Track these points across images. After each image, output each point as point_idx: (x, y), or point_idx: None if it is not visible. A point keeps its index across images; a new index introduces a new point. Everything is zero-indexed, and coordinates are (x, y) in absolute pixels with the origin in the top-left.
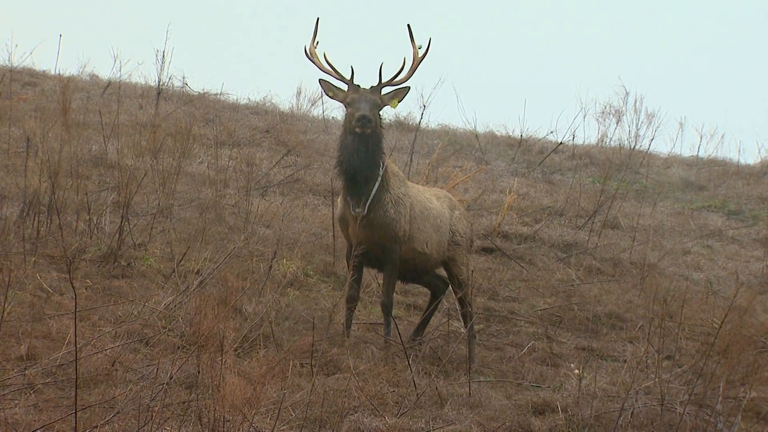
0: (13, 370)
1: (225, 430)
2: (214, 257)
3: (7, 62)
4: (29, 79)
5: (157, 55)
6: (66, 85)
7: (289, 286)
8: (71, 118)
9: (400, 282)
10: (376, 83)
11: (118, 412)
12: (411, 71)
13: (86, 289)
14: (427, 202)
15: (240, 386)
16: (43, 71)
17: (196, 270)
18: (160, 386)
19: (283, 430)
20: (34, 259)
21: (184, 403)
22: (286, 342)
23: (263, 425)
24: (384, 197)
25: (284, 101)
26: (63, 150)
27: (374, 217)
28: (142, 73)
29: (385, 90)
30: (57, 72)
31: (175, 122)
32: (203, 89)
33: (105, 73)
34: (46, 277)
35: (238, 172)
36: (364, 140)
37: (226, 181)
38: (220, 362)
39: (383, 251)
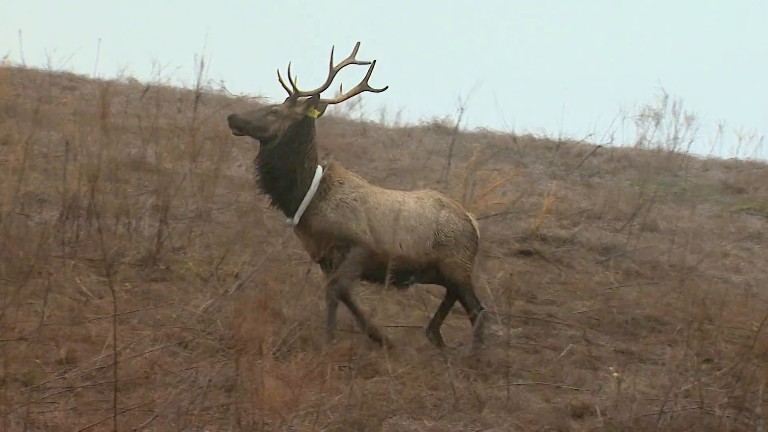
0: (53, 373)
1: None
2: (253, 260)
3: (46, 66)
4: (68, 83)
5: (195, 59)
6: (105, 89)
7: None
8: (110, 122)
9: (398, 290)
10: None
11: (157, 416)
12: (327, 81)
13: (125, 292)
14: (396, 205)
15: (279, 389)
16: (82, 75)
17: (234, 273)
18: (199, 389)
19: None
20: (73, 262)
21: (223, 406)
22: (325, 345)
23: (302, 428)
24: (320, 204)
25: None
26: (102, 154)
27: (312, 224)
28: (180, 77)
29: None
30: (96, 76)
31: (213, 126)
32: (241, 93)
33: (144, 77)
34: (86, 280)
35: None
36: (271, 150)
37: None
38: (258, 365)
39: (341, 254)
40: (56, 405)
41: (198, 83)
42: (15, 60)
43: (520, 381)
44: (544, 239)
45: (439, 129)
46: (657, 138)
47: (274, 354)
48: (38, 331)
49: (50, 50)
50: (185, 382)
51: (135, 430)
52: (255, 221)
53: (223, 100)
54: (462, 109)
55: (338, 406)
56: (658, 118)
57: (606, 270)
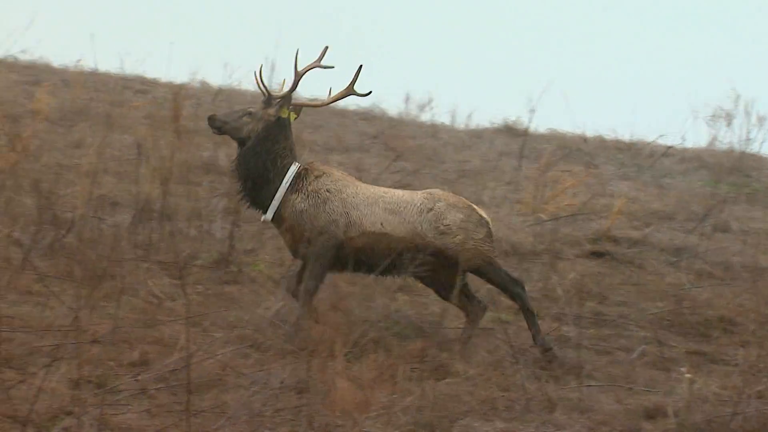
0: (127, 375)
1: None
2: None
3: (119, 70)
4: (141, 86)
5: (266, 62)
6: (177, 92)
7: (398, 291)
8: (182, 125)
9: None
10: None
11: (229, 417)
12: (293, 84)
13: (197, 295)
14: (379, 193)
15: (350, 391)
16: (155, 79)
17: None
18: (271, 391)
19: None
20: (146, 265)
21: (295, 407)
22: (396, 347)
23: (374, 429)
24: (291, 197)
25: (392, 107)
26: (174, 157)
27: (284, 217)
28: (251, 80)
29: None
30: (168, 79)
31: None
32: (312, 96)
33: (215, 80)
34: (158, 283)
35: None
36: (245, 151)
37: None
38: (330, 367)
39: (311, 245)
40: (129, 407)
41: (269, 85)
42: (88, 64)
43: (592, 382)
44: (615, 240)
45: (509, 131)
46: (729, 138)
47: (345, 356)
48: (112, 334)
49: (123, 54)
50: (257, 383)
51: (208, 431)
52: None
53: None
54: (533, 110)
55: (410, 407)
56: (729, 118)
57: (678, 271)
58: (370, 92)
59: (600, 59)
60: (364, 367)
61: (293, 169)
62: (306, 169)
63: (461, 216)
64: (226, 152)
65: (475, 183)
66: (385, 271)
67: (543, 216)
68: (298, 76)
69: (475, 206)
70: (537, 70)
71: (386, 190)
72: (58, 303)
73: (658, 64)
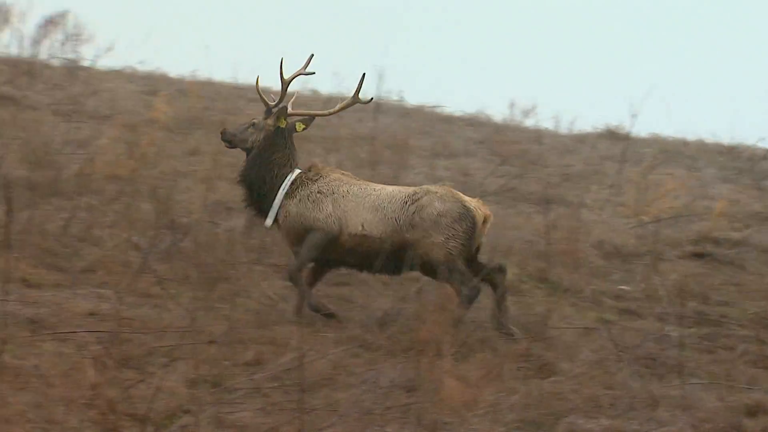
0: (242, 374)
1: (444, 431)
2: None
3: (233, 79)
4: (253, 95)
5: (375, 71)
6: (289, 100)
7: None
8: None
9: (385, 275)
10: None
11: (341, 415)
12: (282, 92)
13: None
14: (368, 191)
15: (458, 389)
16: (267, 87)
17: (414, 277)
18: (381, 390)
19: (500, 431)
20: (259, 268)
21: (404, 405)
22: (502, 346)
23: (481, 426)
24: (287, 203)
25: (497, 113)
26: None
27: (281, 223)
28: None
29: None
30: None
31: (392, 134)
32: (419, 102)
33: (325, 88)
34: (271, 285)
35: (454, 182)
36: (248, 161)
37: None
38: (438, 366)
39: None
40: (245, 405)
41: (377, 94)
42: (203, 74)
43: (694, 380)
44: (716, 242)
45: (611, 135)
46: None
47: (453, 355)
48: (227, 334)
49: (236, 64)
50: (368, 382)
51: (320, 429)
52: None
53: (402, 110)
54: (634, 115)
55: (516, 405)
56: None
57: None
58: (372, 99)
59: (701, 63)
60: (471, 366)
61: (291, 177)
62: (304, 175)
63: (441, 209)
64: (337, 158)
65: (578, 186)
66: (384, 270)
67: (645, 218)
68: (285, 84)
69: (465, 200)
70: (639, 75)
71: (381, 187)
72: (175, 305)
73: (759, 67)
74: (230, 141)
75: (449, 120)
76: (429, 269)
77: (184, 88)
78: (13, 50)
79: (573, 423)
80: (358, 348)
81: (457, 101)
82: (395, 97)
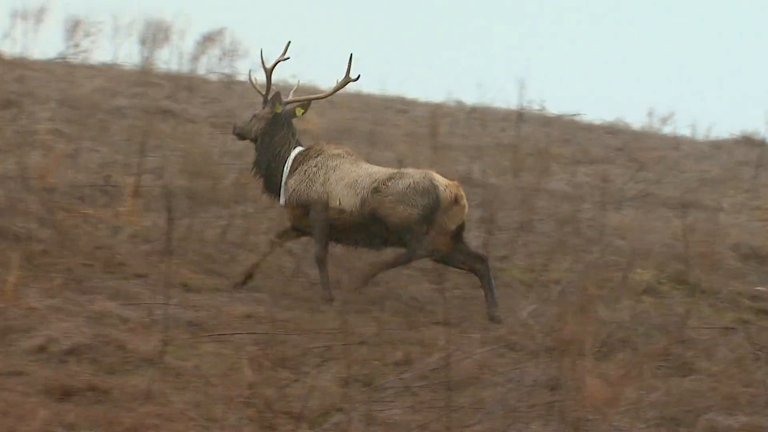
0: (391, 374)
1: (587, 428)
2: (573, 267)
3: (381, 91)
4: (401, 106)
5: (516, 82)
6: (434, 111)
7: (643, 293)
8: (439, 142)
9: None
10: None
11: (487, 412)
12: (267, 80)
13: (455, 298)
14: (355, 169)
15: (599, 387)
16: (413, 99)
17: (556, 280)
18: (525, 388)
19: (641, 428)
20: (407, 272)
21: (547, 403)
22: (642, 346)
23: (622, 423)
24: (288, 181)
25: (636, 121)
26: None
27: (286, 198)
28: (503, 98)
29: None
30: (426, 99)
31: (534, 143)
32: (560, 111)
33: (469, 99)
34: (419, 288)
35: (594, 188)
36: (256, 150)
37: (582, 196)
38: (580, 365)
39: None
40: (395, 403)
41: (520, 103)
42: (352, 86)
43: None
44: None
45: (747, 141)
46: None
47: (594, 354)
48: (377, 336)
49: (384, 77)
50: (512, 381)
51: (467, 426)
52: (574, 231)
53: (543, 119)
54: None
55: (656, 402)
56: None
57: None
58: (359, 76)
59: None
60: (612, 365)
61: (292, 155)
62: (305, 152)
63: (408, 182)
64: (480, 166)
65: (715, 191)
66: (370, 245)
67: None
68: (269, 72)
69: (436, 178)
70: None
71: (368, 167)
72: (327, 307)
73: None
74: (239, 134)
75: (589, 128)
76: (397, 238)
77: (335, 100)
78: (173, 66)
79: (712, 420)
80: (503, 348)
81: (596, 110)
82: (537, 107)
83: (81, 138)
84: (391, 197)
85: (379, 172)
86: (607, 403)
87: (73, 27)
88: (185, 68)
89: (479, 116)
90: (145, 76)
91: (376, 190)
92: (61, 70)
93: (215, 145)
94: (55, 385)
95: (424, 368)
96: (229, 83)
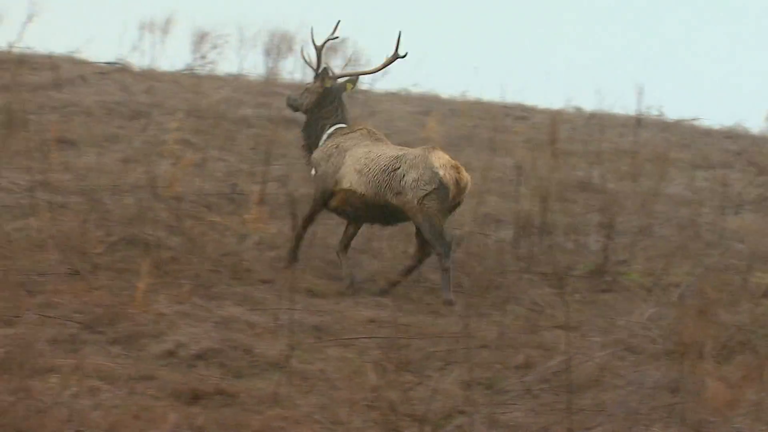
0: (513, 377)
1: (707, 431)
2: (692, 271)
3: (500, 99)
4: (520, 113)
5: (635, 87)
6: (554, 117)
7: (763, 296)
8: (558, 148)
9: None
10: None
11: (608, 415)
12: (317, 57)
13: (575, 302)
14: (364, 150)
15: (720, 390)
16: (533, 106)
17: (675, 283)
18: (646, 390)
19: (762, 430)
20: (528, 276)
21: (668, 405)
22: (763, 348)
23: (743, 425)
24: (314, 155)
25: (755, 125)
26: (551, 177)
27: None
28: (621, 104)
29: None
30: (545, 106)
31: (653, 148)
32: (679, 116)
33: (588, 105)
34: (539, 292)
35: (713, 192)
36: (305, 121)
37: (701, 201)
38: (700, 368)
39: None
40: (516, 406)
41: (638, 109)
42: (472, 94)
43: None
44: None
45: None
46: None
47: (714, 357)
48: (498, 339)
49: (504, 84)
50: (633, 384)
51: (588, 428)
52: (693, 235)
53: (662, 125)
54: None
55: None
56: None
57: None
58: (406, 54)
59: None
60: (732, 367)
61: (331, 130)
62: (340, 130)
63: (414, 175)
64: (600, 171)
65: None
66: (374, 221)
67: None
68: (318, 50)
69: (434, 161)
70: None
71: (378, 149)
72: (449, 312)
73: None
74: (292, 106)
75: (708, 133)
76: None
77: (455, 108)
78: (297, 76)
79: None
80: (623, 351)
81: (715, 114)
82: (655, 112)
83: (208, 147)
84: (410, 196)
85: (385, 156)
86: (728, 405)
87: (200, 39)
88: (308, 78)
89: (598, 122)
90: (269, 86)
91: (395, 192)
92: (188, 81)
93: None
94: (184, 389)
95: (545, 371)
96: (351, 92)
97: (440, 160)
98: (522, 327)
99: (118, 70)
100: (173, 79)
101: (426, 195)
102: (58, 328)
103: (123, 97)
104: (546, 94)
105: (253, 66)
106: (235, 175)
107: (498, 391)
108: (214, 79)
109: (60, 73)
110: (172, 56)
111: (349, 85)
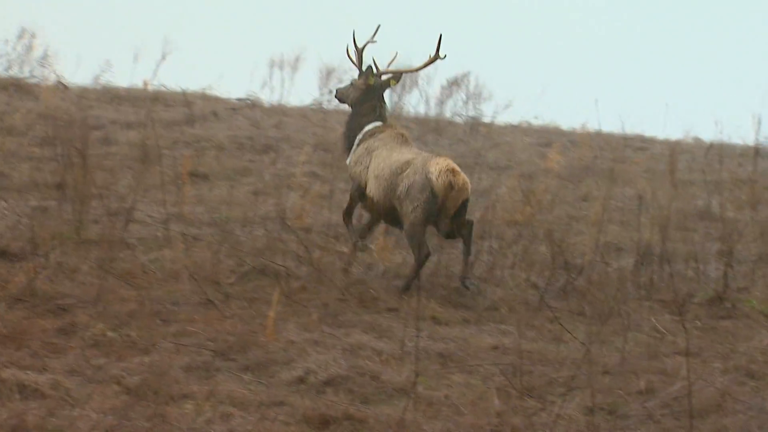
0: (634, 402)
1: None
2: None
3: (620, 130)
4: (640, 144)
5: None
6: (673, 148)
7: None
8: (678, 178)
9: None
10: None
11: None
12: (358, 58)
13: (696, 329)
14: (387, 158)
15: None
16: (652, 137)
17: None
18: (767, 416)
19: None
20: (648, 303)
21: None
22: None
23: None
24: (353, 150)
25: None
26: (671, 206)
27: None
28: (740, 134)
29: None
30: (664, 137)
31: None
32: None
33: (707, 135)
34: (660, 319)
35: None
36: (349, 114)
37: None
38: None
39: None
40: (638, 431)
41: (757, 139)
42: (592, 125)
43: None
44: None
45: None
46: None
47: None
48: (620, 365)
49: (623, 116)
50: (753, 409)
51: None
52: None
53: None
54: None
55: None
56: None
57: None
58: (446, 56)
59: None
60: None
61: (368, 128)
62: (376, 128)
63: (410, 182)
64: (719, 200)
65: None
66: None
67: None
68: (360, 51)
69: (431, 167)
70: None
71: (397, 153)
72: (571, 338)
73: None
74: (339, 98)
75: None
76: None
77: (575, 139)
78: (421, 110)
79: None
80: (744, 376)
81: None
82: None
83: (335, 179)
84: (406, 203)
85: (399, 160)
86: None
87: (327, 75)
88: (432, 111)
89: (717, 152)
90: (394, 120)
91: (397, 198)
92: (315, 115)
93: None
94: (313, 414)
95: (667, 397)
96: (474, 125)
97: (438, 165)
98: (643, 353)
99: (248, 106)
100: (301, 113)
101: (416, 204)
102: (191, 355)
103: (253, 132)
104: (665, 125)
105: None
106: None
107: (620, 416)
108: (340, 113)
109: (193, 109)
110: (300, 92)
111: (392, 82)
